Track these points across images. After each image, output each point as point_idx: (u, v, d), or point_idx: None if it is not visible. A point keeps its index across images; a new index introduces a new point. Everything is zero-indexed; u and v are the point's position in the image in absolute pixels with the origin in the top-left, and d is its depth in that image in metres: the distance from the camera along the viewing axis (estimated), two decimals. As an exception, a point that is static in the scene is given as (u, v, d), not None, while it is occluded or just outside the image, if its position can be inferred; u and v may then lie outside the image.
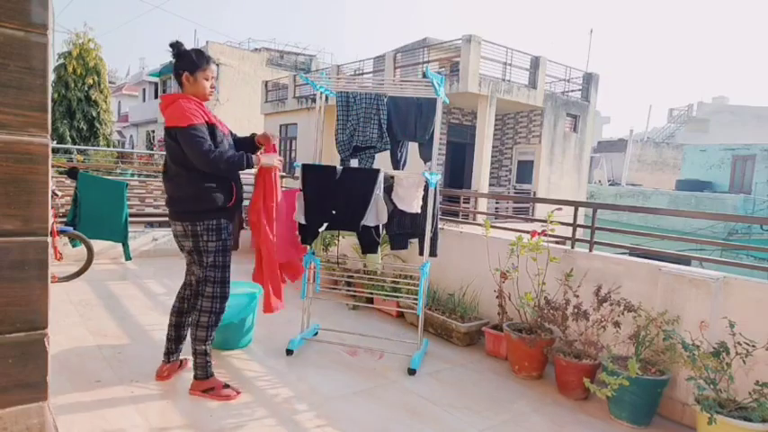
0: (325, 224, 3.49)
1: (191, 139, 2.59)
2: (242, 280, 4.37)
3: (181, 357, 3.12)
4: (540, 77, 14.08)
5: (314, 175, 3.49)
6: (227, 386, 2.89)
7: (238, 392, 2.89)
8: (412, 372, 3.37)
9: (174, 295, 3.15)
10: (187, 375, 3.10)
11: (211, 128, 2.71)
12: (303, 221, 3.50)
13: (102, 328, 3.81)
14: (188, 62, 2.74)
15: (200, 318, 2.83)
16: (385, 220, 3.45)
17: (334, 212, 3.45)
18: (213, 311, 2.84)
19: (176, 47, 2.76)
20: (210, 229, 2.76)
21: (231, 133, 2.98)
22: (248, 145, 3.03)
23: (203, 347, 2.83)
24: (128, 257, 5.46)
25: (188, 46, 2.83)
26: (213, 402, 2.81)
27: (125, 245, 5.40)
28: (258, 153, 2.97)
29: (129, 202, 5.43)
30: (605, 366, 2.91)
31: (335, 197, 3.44)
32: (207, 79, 2.77)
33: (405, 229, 3.74)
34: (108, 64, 18.15)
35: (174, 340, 3.04)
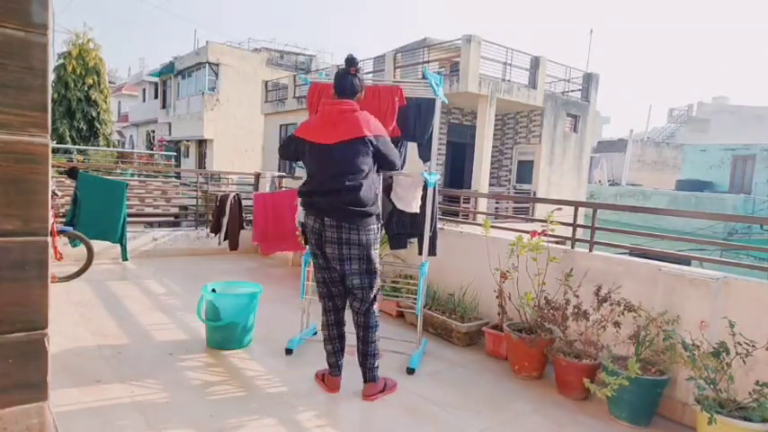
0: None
1: (391, 146, 2.92)
2: (242, 280, 4.37)
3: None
4: (540, 77, 14.08)
5: None
6: (386, 379, 3.10)
7: (396, 383, 3.12)
8: (411, 371, 3.38)
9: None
10: (178, 373, 3.11)
11: None
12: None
13: (102, 328, 3.81)
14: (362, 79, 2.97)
15: (375, 320, 2.97)
16: (383, 220, 3.45)
17: None
18: (376, 311, 3.00)
19: (355, 61, 2.93)
20: (376, 237, 2.90)
21: None
22: None
23: (379, 348, 3.04)
24: (124, 258, 5.46)
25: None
26: (213, 402, 2.81)
27: (122, 245, 5.40)
28: None
29: (128, 202, 5.44)
30: (605, 366, 2.91)
31: None
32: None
33: (404, 228, 3.75)
34: (108, 64, 18.16)
35: (341, 353, 3.09)
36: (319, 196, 2.82)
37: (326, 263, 2.92)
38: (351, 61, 2.93)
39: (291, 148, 2.98)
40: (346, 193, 2.74)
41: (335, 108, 2.83)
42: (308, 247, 3.67)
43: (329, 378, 3.06)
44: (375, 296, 2.96)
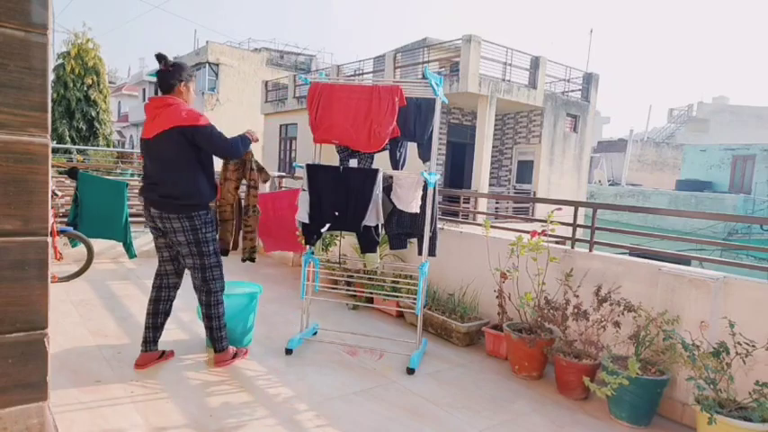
0: (328, 225, 3.50)
1: (214, 134, 2.95)
2: (242, 280, 4.37)
3: (162, 349, 3.29)
4: (540, 77, 14.08)
5: (318, 175, 3.49)
6: (235, 354, 3.37)
7: (246, 352, 3.47)
8: (411, 371, 3.38)
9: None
10: (178, 373, 3.11)
11: None
12: (306, 221, 3.50)
13: (102, 328, 3.81)
14: (185, 74, 3.05)
15: (214, 297, 3.17)
16: (383, 219, 3.45)
17: (336, 214, 3.46)
18: (222, 289, 3.22)
19: (165, 58, 3.00)
20: (207, 221, 3.07)
21: None
22: None
23: (224, 321, 3.25)
24: (131, 256, 5.46)
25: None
26: (213, 402, 2.81)
27: (127, 243, 5.40)
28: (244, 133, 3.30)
29: (129, 202, 5.43)
30: (605, 366, 2.91)
31: (338, 197, 3.45)
32: (195, 90, 3.18)
33: (404, 228, 3.74)
34: (108, 64, 18.15)
35: (153, 328, 3.22)
36: (147, 189, 3.03)
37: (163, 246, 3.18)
38: (159, 58, 3.00)
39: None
40: (163, 187, 2.96)
41: (152, 104, 2.98)
42: (308, 247, 3.69)
43: (141, 354, 3.20)
44: (213, 276, 3.14)
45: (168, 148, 2.89)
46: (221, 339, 3.24)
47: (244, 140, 3.17)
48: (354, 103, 3.51)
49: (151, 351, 3.20)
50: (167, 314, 3.26)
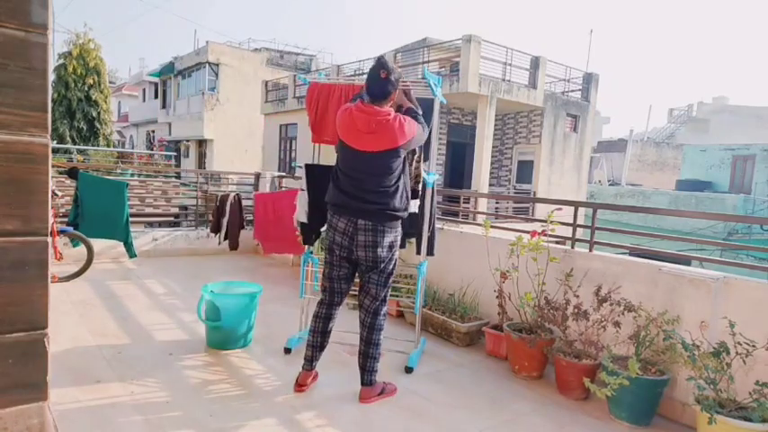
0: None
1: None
2: (242, 280, 4.37)
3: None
4: (540, 77, 14.08)
5: (318, 174, 3.50)
6: (385, 383, 3.06)
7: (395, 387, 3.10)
8: (409, 370, 3.38)
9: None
10: (178, 373, 3.11)
11: None
12: (305, 221, 3.50)
13: (102, 328, 3.81)
14: (398, 78, 2.85)
15: (383, 322, 2.99)
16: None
17: None
18: (385, 312, 3.03)
19: (386, 65, 2.79)
20: (398, 240, 2.95)
21: None
22: None
23: (381, 350, 3.04)
24: (132, 255, 5.47)
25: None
26: (213, 402, 2.81)
27: (127, 243, 5.41)
28: None
29: (129, 202, 5.44)
30: (605, 366, 2.91)
31: None
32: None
33: (403, 228, 3.74)
34: (108, 64, 18.16)
35: (319, 348, 3.02)
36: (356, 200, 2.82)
37: (342, 260, 2.93)
38: (381, 66, 2.79)
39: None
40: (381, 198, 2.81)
41: (366, 113, 2.77)
42: (308, 247, 3.67)
43: (301, 373, 3.03)
44: (386, 297, 2.99)
45: (392, 161, 2.78)
46: (375, 371, 2.97)
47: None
48: None
49: (311, 370, 3.05)
50: (330, 333, 3.09)
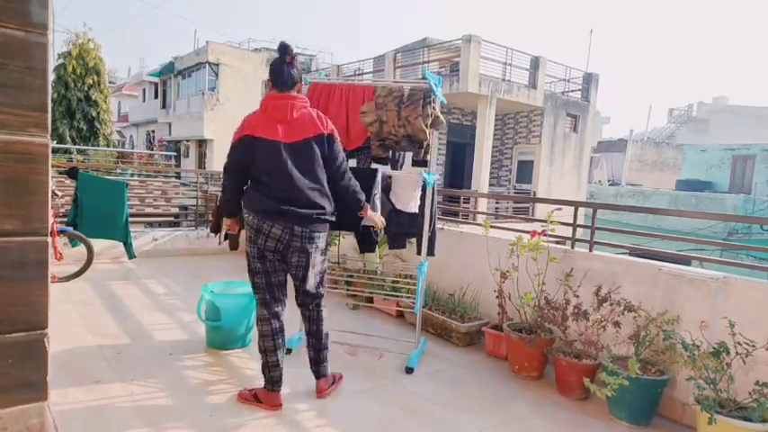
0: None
1: (340, 149, 2.75)
2: (242, 280, 4.37)
3: (334, 372, 3.08)
4: (540, 77, 14.09)
5: None
6: (332, 373, 3.06)
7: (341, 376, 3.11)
8: (409, 370, 3.38)
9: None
10: (178, 373, 3.11)
11: None
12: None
13: (102, 328, 3.81)
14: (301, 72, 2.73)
15: (321, 324, 2.93)
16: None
17: (335, 213, 3.46)
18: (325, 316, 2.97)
19: (288, 47, 2.66)
20: (329, 241, 2.88)
21: None
22: None
23: (326, 344, 2.98)
24: (131, 256, 5.46)
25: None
26: (213, 402, 2.81)
27: (127, 244, 5.41)
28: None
29: (129, 202, 5.44)
30: (605, 366, 2.91)
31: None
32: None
33: (403, 228, 3.74)
34: (108, 64, 18.16)
35: (280, 365, 2.83)
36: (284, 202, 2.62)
37: (276, 265, 2.76)
38: (283, 48, 2.66)
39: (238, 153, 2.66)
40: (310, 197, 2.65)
41: (281, 102, 2.62)
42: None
43: (269, 395, 2.78)
44: (323, 293, 2.95)
45: (313, 155, 2.64)
46: (327, 363, 2.98)
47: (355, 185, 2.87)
48: (351, 103, 3.53)
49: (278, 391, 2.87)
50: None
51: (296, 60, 2.68)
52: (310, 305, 2.90)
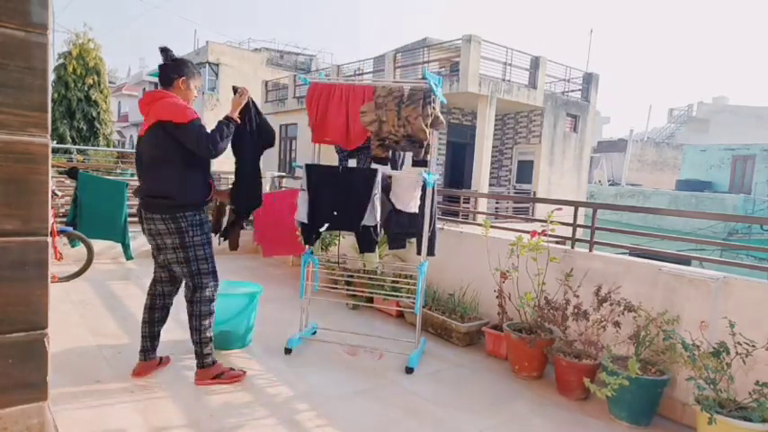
0: (326, 224, 3.50)
1: (196, 131, 2.73)
2: (242, 280, 4.37)
3: (160, 355, 3.18)
4: (540, 77, 14.08)
5: (318, 174, 3.50)
6: (231, 369, 3.09)
7: (244, 372, 3.11)
8: (409, 370, 3.38)
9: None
10: (178, 373, 3.11)
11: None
12: (306, 221, 3.50)
13: (102, 328, 3.81)
14: (186, 69, 2.94)
15: (201, 308, 2.95)
16: (382, 219, 3.45)
17: (335, 213, 3.46)
18: (211, 299, 2.98)
19: (168, 51, 2.91)
20: (195, 224, 2.85)
21: None
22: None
23: (209, 335, 2.99)
24: (128, 257, 5.46)
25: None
26: (213, 402, 2.81)
27: (125, 244, 5.40)
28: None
29: (129, 202, 5.43)
30: (605, 366, 2.91)
31: (337, 197, 3.45)
32: (197, 88, 3.03)
33: (403, 228, 3.74)
34: (108, 64, 18.15)
35: (150, 337, 3.08)
36: (138, 189, 2.92)
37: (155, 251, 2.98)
38: (163, 51, 2.91)
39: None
40: (149, 185, 2.84)
41: (144, 99, 2.87)
42: (308, 247, 3.67)
43: (139, 363, 3.06)
44: (201, 284, 2.93)
45: (153, 144, 2.77)
46: (204, 356, 2.98)
47: (221, 129, 2.84)
48: (351, 103, 3.53)
49: (149, 360, 3.08)
50: (163, 321, 3.11)
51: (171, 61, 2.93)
52: None
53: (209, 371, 3.00)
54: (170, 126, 2.71)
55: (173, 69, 2.90)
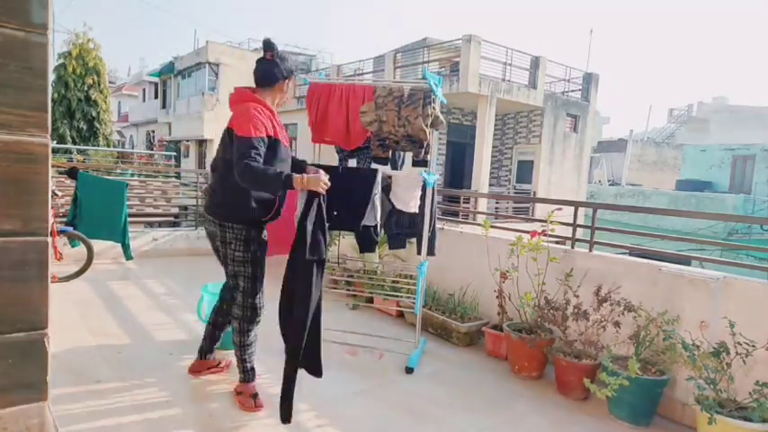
0: (327, 224, 3.49)
1: (244, 148, 2.42)
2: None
3: (219, 359, 3.15)
4: (540, 77, 14.08)
5: None
6: (255, 396, 2.81)
7: (259, 407, 2.77)
8: (410, 370, 3.38)
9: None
10: (178, 373, 3.11)
11: (274, 142, 2.61)
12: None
13: (102, 328, 3.81)
14: (290, 68, 2.70)
15: (231, 323, 2.87)
16: (382, 219, 3.45)
17: (335, 213, 3.46)
18: (243, 318, 2.81)
19: (273, 46, 2.65)
20: (239, 238, 2.69)
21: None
22: (296, 167, 2.89)
23: (238, 352, 2.84)
24: (128, 257, 5.46)
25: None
26: (213, 402, 2.81)
27: (125, 244, 5.41)
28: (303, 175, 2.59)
29: (129, 202, 5.44)
30: (605, 366, 2.91)
31: (337, 197, 3.45)
32: (291, 89, 2.79)
33: (403, 228, 3.75)
34: (108, 64, 18.15)
35: (207, 338, 3.04)
36: None
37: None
38: (267, 45, 2.66)
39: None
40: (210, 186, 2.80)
41: (233, 98, 2.69)
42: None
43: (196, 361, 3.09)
44: (249, 304, 2.81)
45: (221, 147, 2.63)
46: (244, 371, 2.86)
47: (267, 171, 2.41)
48: (351, 103, 3.53)
49: (205, 359, 3.07)
50: (222, 327, 3.02)
51: (277, 58, 2.69)
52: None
53: (238, 385, 2.89)
54: (233, 134, 2.51)
55: (280, 69, 2.65)
